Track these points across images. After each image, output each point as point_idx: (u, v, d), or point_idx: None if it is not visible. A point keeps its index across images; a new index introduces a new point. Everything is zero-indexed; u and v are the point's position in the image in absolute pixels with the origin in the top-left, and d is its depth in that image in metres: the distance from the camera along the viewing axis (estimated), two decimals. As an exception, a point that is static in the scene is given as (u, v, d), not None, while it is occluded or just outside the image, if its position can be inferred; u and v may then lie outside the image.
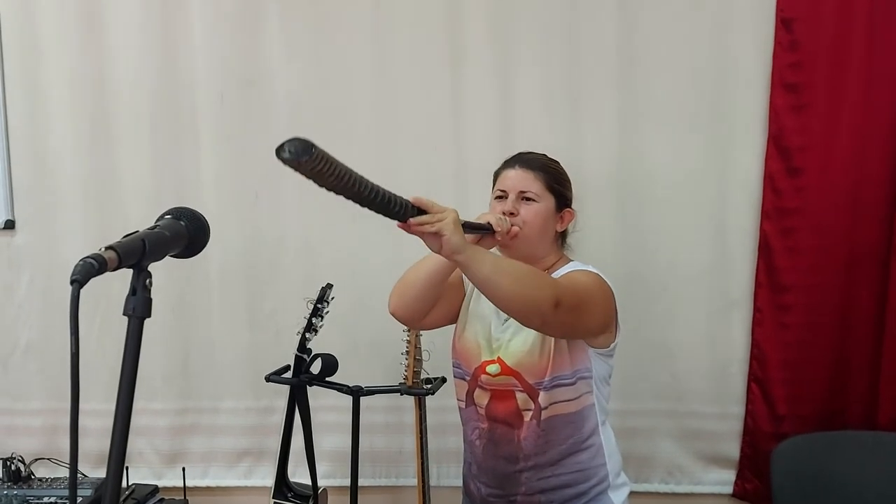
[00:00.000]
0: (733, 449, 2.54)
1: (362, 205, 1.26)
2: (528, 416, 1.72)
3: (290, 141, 1.10)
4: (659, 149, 2.44)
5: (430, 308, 1.77)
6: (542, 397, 1.70)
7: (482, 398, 1.78)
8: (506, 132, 2.46)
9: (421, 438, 2.29)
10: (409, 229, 1.39)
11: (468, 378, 1.81)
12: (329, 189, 1.18)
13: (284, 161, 1.10)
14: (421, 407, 2.29)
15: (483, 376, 1.76)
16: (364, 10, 2.49)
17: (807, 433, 2.40)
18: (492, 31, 2.46)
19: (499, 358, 1.74)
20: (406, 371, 2.25)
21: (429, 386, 2.27)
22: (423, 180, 2.50)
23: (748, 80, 2.39)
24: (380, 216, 1.32)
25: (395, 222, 1.38)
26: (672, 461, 2.57)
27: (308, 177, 1.14)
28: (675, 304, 2.49)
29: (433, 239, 1.40)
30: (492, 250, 1.67)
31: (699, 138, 2.43)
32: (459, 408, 1.87)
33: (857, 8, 2.30)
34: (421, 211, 1.38)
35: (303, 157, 1.09)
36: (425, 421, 2.30)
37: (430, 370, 2.28)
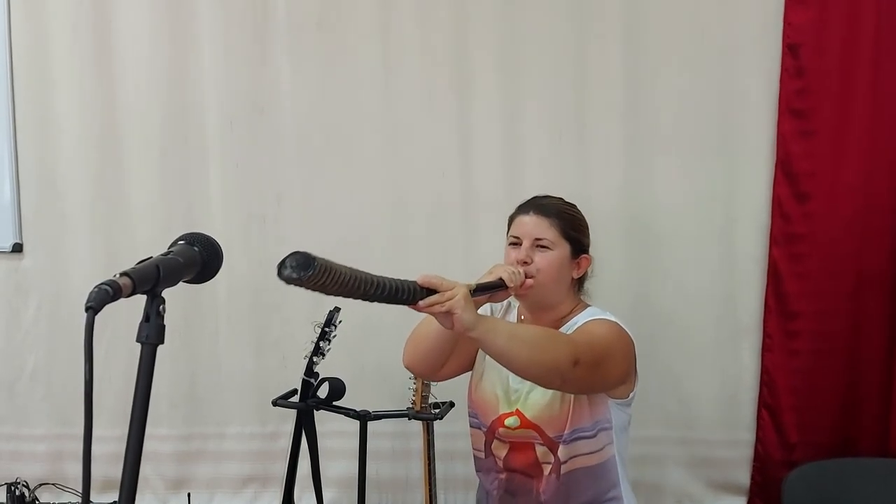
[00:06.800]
0: (743, 476, 2.51)
1: (370, 301, 1.24)
2: (547, 469, 1.69)
3: (290, 256, 1.06)
4: (666, 175, 2.45)
5: (446, 360, 1.74)
6: (562, 451, 1.66)
7: (500, 450, 1.75)
8: (513, 161, 2.47)
9: (429, 464, 2.27)
10: (420, 310, 1.36)
11: (485, 430, 1.77)
12: (335, 295, 1.15)
13: (287, 280, 1.06)
14: (429, 432, 2.27)
15: (501, 429, 1.72)
16: (372, 38, 2.51)
17: (818, 460, 2.37)
18: (499, 60, 2.48)
19: (518, 410, 1.70)
20: (414, 395, 2.23)
21: (437, 411, 2.25)
22: (430, 208, 2.52)
23: (755, 106, 2.40)
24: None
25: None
26: (682, 489, 2.54)
27: (313, 290, 1.11)
28: (683, 330, 2.48)
29: (445, 318, 1.38)
30: (507, 300, 1.66)
31: (707, 164, 2.44)
32: (477, 458, 1.83)
33: (862, 33, 2.31)
34: (430, 291, 1.35)
35: (306, 272, 1.05)
36: (433, 447, 2.28)
37: (438, 395, 2.27)
